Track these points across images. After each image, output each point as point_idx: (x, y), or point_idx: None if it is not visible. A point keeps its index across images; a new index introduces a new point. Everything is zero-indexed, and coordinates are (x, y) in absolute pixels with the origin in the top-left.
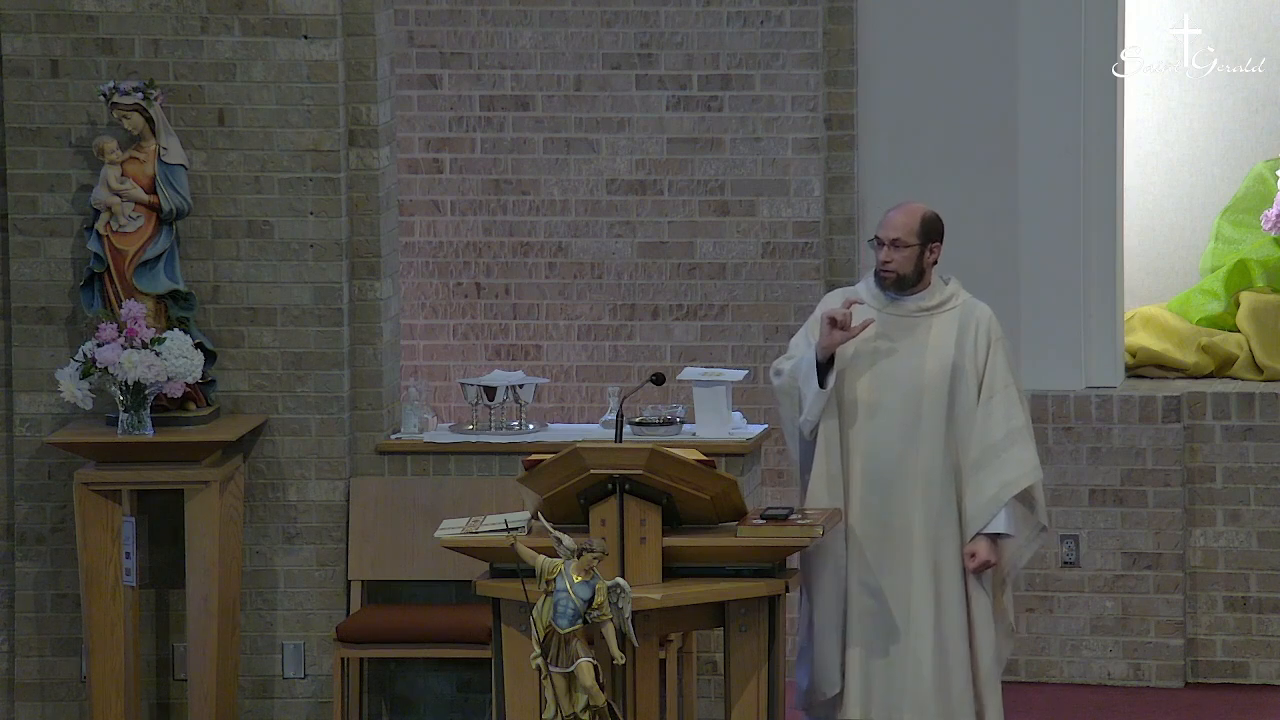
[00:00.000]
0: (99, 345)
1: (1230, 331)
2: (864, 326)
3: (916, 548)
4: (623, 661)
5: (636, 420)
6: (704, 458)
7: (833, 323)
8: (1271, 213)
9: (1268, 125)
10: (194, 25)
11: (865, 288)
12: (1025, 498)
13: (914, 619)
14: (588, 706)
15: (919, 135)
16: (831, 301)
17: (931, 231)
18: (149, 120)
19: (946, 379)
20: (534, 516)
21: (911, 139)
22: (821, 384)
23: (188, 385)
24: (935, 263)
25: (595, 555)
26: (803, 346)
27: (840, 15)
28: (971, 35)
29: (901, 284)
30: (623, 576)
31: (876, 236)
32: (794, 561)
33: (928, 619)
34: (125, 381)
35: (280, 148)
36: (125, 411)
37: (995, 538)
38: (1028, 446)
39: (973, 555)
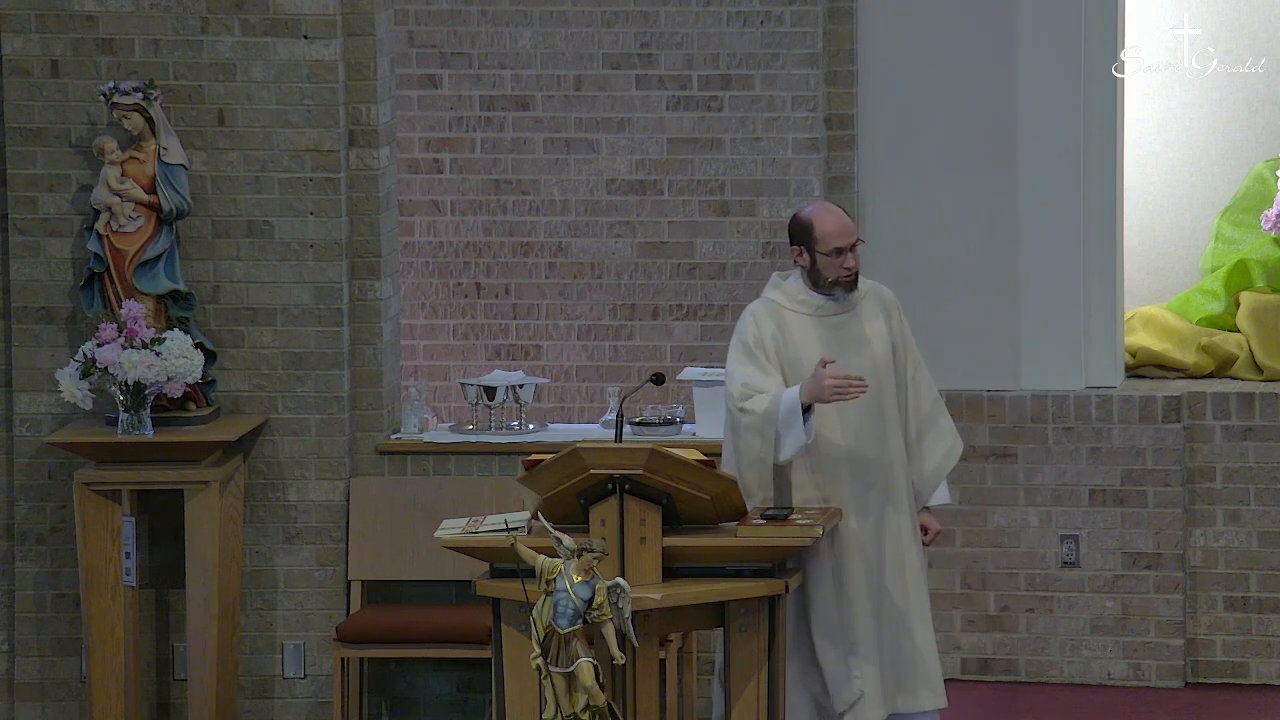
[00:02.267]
0: (99, 345)
1: (1230, 331)
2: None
3: (904, 537)
4: (623, 661)
5: (636, 420)
6: (704, 458)
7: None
8: (1271, 213)
9: (1268, 125)
10: (194, 25)
11: (786, 297)
12: None
13: (913, 605)
14: (588, 706)
15: (919, 135)
16: (761, 319)
17: None
18: (149, 120)
19: (890, 363)
20: (534, 516)
21: (911, 139)
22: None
23: (188, 385)
24: None
25: (595, 555)
26: (759, 377)
27: (840, 15)
28: (971, 35)
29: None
30: (623, 576)
31: (836, 247)
32: (794, 562)
33: (924, 604)
34: (125, 381)
35: (280, 148)
36: (125, 411)
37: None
38: (947, 415)
39: (925, 530)
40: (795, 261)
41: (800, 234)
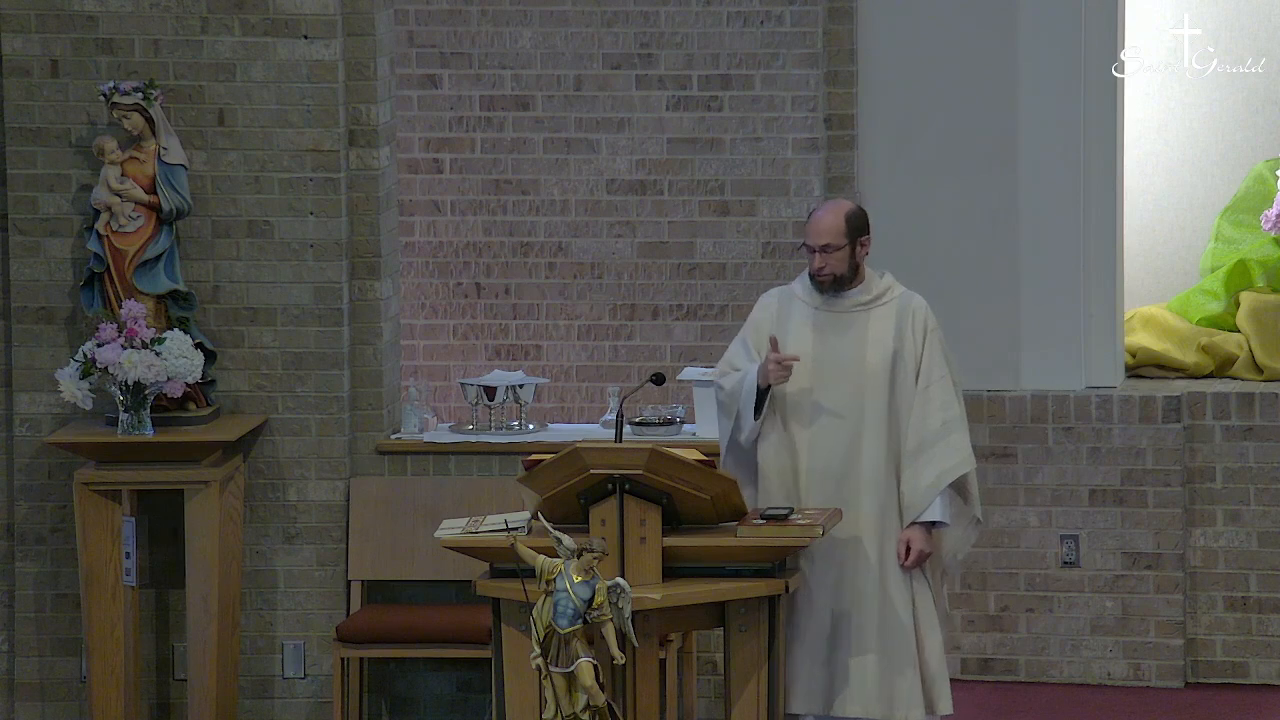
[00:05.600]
0: (99, 345)
1: (1230, 331)
2: (790, 362)
3: (864, 542)
4: (623, 661)
5: (636, 420)
6: (704, 458)
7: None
8: (1271, 213)
9: (1268, 125)
10: (194, 25)
11: (802, 287)
12: (960, 489)
13: (861, 614)
14: (588, 706)
15: (919, 135)
16: (767, 305)
17: (858, 227)
18: (149, 120)
19: (887, 370)
20: (534, 516)
21: (911, 139)
22: (757, 413)
23: (188, 385)
24: (866, 255)
25: (595, 555)
26: (742, 358)
27: (840, 15)
28: (971, 35)
29: (839, 284)
30: (623, 576)
31: (805, 244)
32: (793, 562)
33: (873, 614)
34: (125, 381)
35: (280, 148)
36: (125, 411)
37: (930, 527)
38: (963, 435)
39: (907, 545)
40: None
41: None
